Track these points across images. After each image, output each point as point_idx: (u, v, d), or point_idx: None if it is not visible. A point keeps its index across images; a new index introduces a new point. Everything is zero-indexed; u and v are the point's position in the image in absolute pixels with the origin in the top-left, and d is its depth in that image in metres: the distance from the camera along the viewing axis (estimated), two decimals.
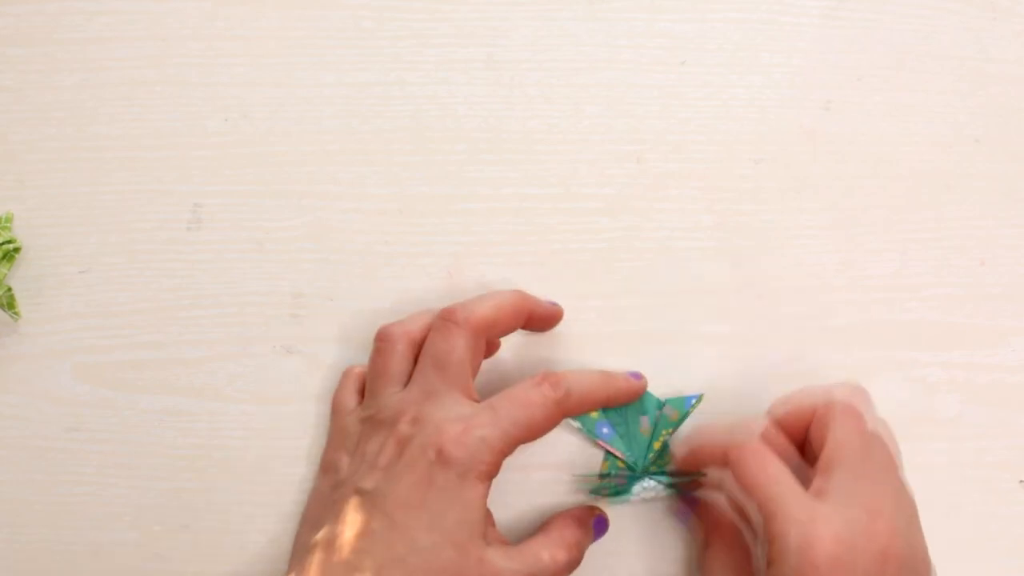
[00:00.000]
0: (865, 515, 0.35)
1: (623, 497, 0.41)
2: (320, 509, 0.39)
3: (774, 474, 0.36)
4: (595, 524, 0.41)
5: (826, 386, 0.39)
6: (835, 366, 0.44)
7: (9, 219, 0.44)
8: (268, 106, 0.45)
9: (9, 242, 0.44)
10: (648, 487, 0.41)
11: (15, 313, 0.44)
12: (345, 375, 0.42)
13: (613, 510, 0.42)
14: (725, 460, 0.38)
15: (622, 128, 0.45)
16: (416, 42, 0.46)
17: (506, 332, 0.41)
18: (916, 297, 0.44)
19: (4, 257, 0.43)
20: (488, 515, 0.37)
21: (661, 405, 0.42)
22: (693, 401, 0.42)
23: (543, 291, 0.44)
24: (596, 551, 0.42)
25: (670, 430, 0.41)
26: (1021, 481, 0.43)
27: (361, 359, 0.43)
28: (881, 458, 0.38)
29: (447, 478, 0.36)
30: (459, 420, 0.36)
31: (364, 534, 0.36)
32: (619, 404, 0.41)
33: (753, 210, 0.45)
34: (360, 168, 0.45)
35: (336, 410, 0.42)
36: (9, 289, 0.44)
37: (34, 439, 0.43)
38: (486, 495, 0.36)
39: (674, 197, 0.45)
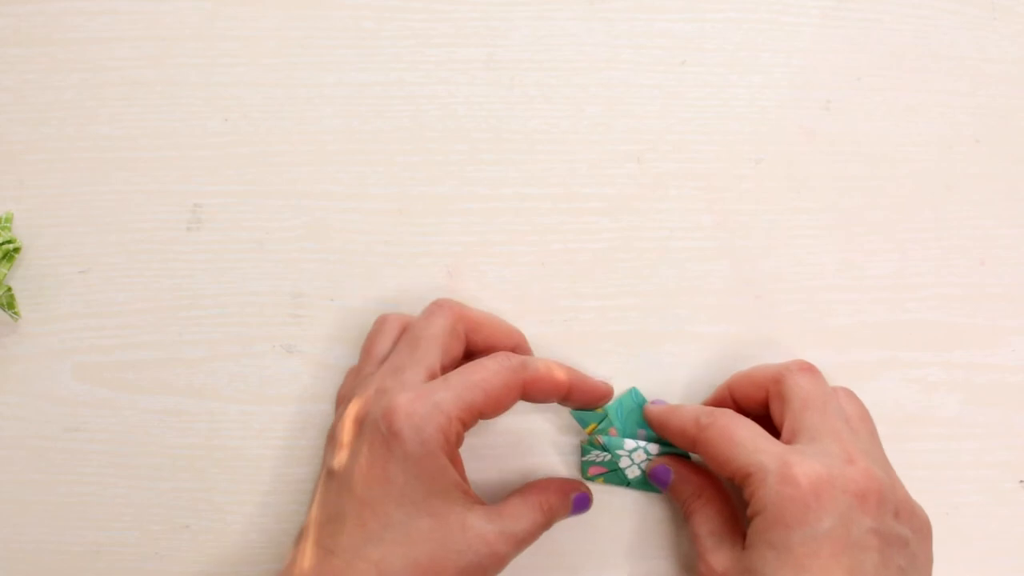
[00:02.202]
0: (839, 458, 0.36)
1: (611, 460, 0.41)
2: (310, 501, 0.39)
3: (742, 438, 0.37)
4: (576, 499, 0.41)
5: (778, 364, 0.40)
6: (835, 366, 0.44)
7: (9, 219, 0.44)
8: (268, 106, 0.45)
9: (9, 242, 0.44)
10: (637, 446, 0.41)
11: (15, 313, 0.44)
12: (350, 372, 0.43)
13: (612, 511, 0.42)
14: (694, 444, 0.38)
15: (622, 128, 0.45)
16: (416, 42, 0.46)
17: (491, 343, 0.40)
18: (916, 297, 0.44)
19: (4, 257, 0.43)
20: (461, 480, 0.37)
21: None
22: None
23: (543, 291, 0.44)
24: (593, 549, 0.42)
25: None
26: (1021, 481, 0.43)
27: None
28: (848, 408, 0.39)
29: (404, 449, 0.35)
30: (412, 390, 0.36)
31: (336, 517, 0.36)
32: (584, 400, 0.40)
33: (753, 210, 0.45)
34: (360, 168, 0.45)
35: (340, 399, 0.42)
36: (9, 289, 0.44)
37: (34, 439, 0.43)
38: (451, 462, 0.36)
39: (674, 197, 0.45)
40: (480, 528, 0.36)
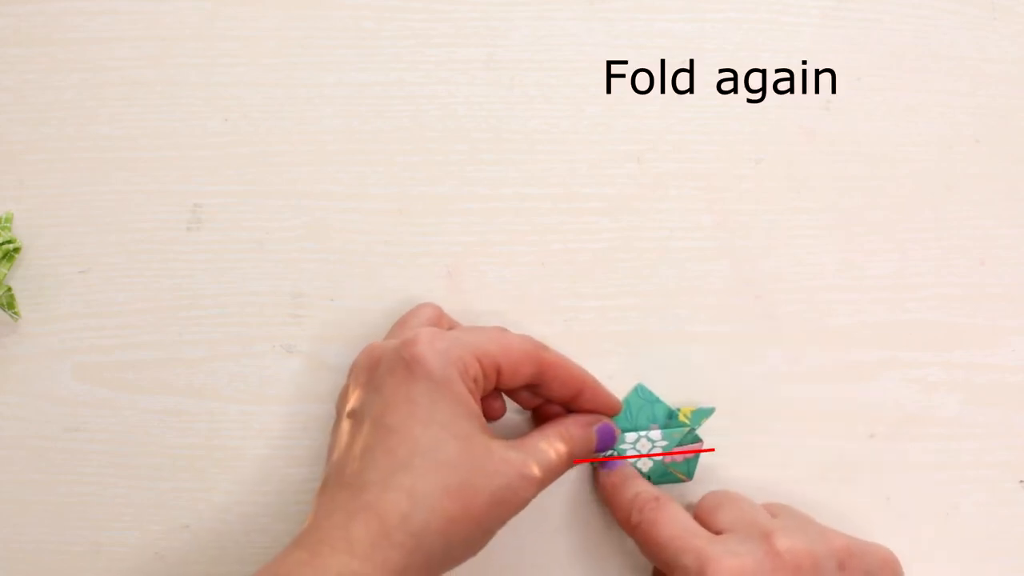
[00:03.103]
0: (759, 540, 0.36)
1: (617, 442, 0.41)
2: (328, 454, 0.38)
3: (665, 536, 0.37)
4: (599, 430, 0.40)
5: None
6: (835, 366, 0.44)
7: (9, 219, 0.44)
8: (268, 106, 0.45)
9: (9, 242, 0.44)
10: (639, 436, 0.41)
11: (15, 313, 0.44)
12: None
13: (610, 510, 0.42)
14: (631, 534, 0.39)
15: (622, 128, 0.45)
16: (416, 42, 0.46)
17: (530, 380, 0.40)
18: (916, 297, 0.44)
19: (4, 257, 0.43)
20: (482, 415, 0.37)
21: (672, 414, 0.42)
22: (704, 418, 0.42)
23: (543, 291, 0.44)
24: (592, 549, 0.42)
25: (678, 434, 0.41)
26: (1021, 481, 0.43)
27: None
28: (767, 505, 0.39)
29: (427, 371, 0.35)
30: (428, 329, 0.36)
31: (362, 451, 0.35)
32: (592, 407, 0.40)
33: (753, 210, 0.45)
34: (360, 168, 0.45)
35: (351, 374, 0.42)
36: (9, 289, 0.44)
37: (34, 439, 0.43)
38: (472, 394, 0.36)
39: (674, 197, 0.45)
40: (506, 453, 0.36)
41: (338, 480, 0.35)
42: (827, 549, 0.36)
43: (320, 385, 0.43)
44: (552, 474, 0.37)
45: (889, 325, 0.44)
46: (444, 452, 0.34)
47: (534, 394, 0.40)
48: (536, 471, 0.36)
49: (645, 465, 0.42)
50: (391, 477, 0.34)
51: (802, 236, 0.45)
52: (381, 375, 0.36)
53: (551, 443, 0.38)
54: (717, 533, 0.37)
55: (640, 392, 0.42)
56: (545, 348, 0.38)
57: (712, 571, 0.34)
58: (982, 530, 0.43)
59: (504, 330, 0.39)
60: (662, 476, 0.42)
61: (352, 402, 0.37)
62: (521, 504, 0.36)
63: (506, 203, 0.45)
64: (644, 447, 0.41)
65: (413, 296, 0.44)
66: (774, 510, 0.39)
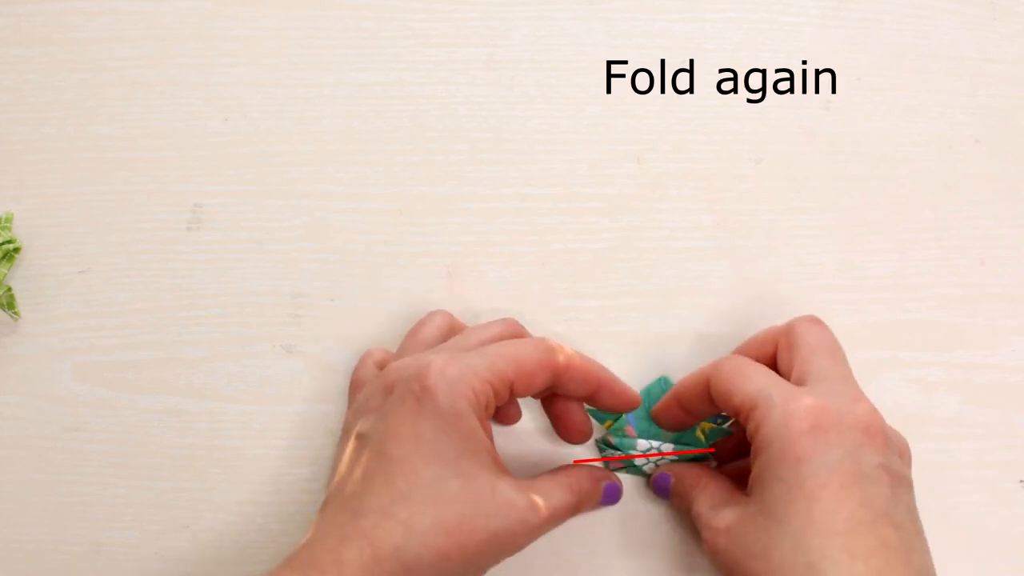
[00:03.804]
0: (846, 396, 0.36)
1: (628, 461, 0.41)
2: (332, 473, 0.38)
3: (752, 374, 0.37)
4: (607, 488, 0.40)
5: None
6: None
7: (9, 219, 0.44)
8: (268, 106, 0.45)
9: (9, 242, 0.44)
10: (651, 446, 0.41)
11: (15, 313, 0.44)
12: (366, 354, 0.42)
13: (619, 511, 0.42)
14: (706, 391, 0.38)
15: (622, 128, 0.45)
16: (416, 42, 0.46)
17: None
18: (916, 297, 0.44)
19: (4, 257, 0.43)
20: (491, 446, 0.36)
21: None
22: (720, 437, 0.42)
23: (543, 291, 0.44)
24: (598, 550, 0.42)
25: (691, 452, 0.42)
26: (1021, 481, 0.43)
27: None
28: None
29: (436, 406, 0.35)
30: (445, 354, 0.36)
31: (364, 477, 0.35)
32: (610, 403, 0.40)
33: (753, 210, 0.45)
34: (360, 168, 0.45)
35: (354, 387, 0.42)
36: (9, 289, 0.44)
37: (34, 439, 0.43)
38: (482, 426, 0.36)
39: (674, 197, 0.45)
40: (510, 495, 0.36)
41: (338, 500, 0.36)
42: (897, 438, 0.37)
43: (320, 385, 0.43)
44: (553, 523, 0.37)
45: (889, 325, 0.44)
46: (444, 489, 0.35)
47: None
48: (537, 518, 0.36)
49: (650, 469, 0.42)
50: (389, 507, 0.34)
51: (802, 236, 0.45)
52: (392, 402, 0.36)
53: (560, 490, 0.38)
54: (800, 375, 0.37)
55: (663, 384, 0.42)
56: (559, 351, 0.38)
57: (799, 404, 0.35)
58: (982, 530, 0.43)
59: (517, 340, 0.38)
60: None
61: (361, 424, 0.37)
62: (518, 548, 0.36)
63: (506, 203, 0.45)
64: (654, 456, 0.41)
65: (413, 296, 0.44)
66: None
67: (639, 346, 0.44)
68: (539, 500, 0.36)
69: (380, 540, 0.34)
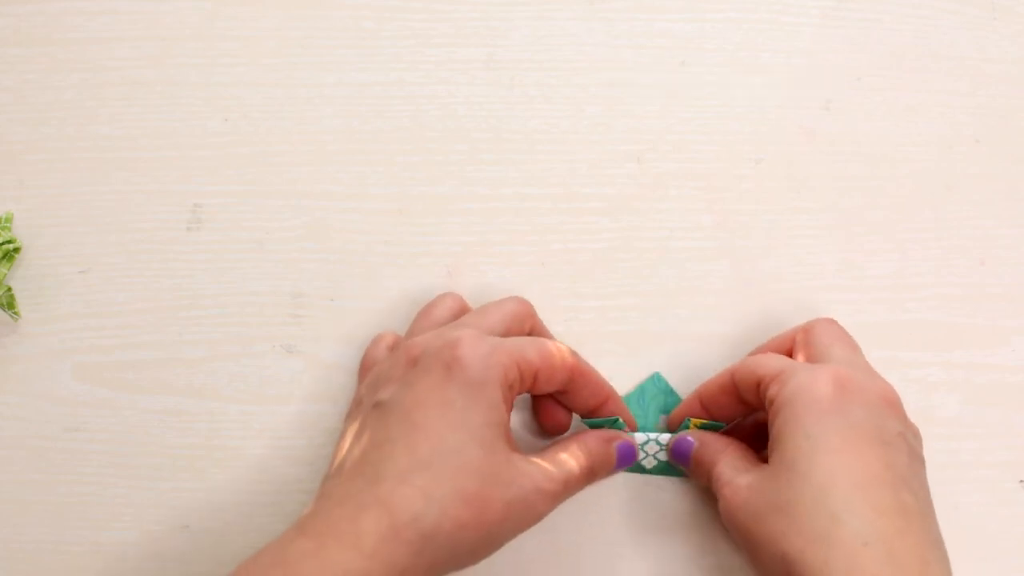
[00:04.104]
0: (867, 373, 0.37)
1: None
2: (341, 440, 0.38)
3: (775, 358, 0.38)
4: (620, 448, 0.40)
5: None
6: None
7: (9, 219, 0.44)
8: (268, 106, 0.45)
9: (9, 242, 0.44)
10: (648, 439, 0.41)
11: (15, 313, 0.44)
12: (378, 337, 0.42)
13: (619, 510, 0.42)
14: (731, 382, 0.39)
15: (622, 128, 0.45)
16: (416, 42, 0.46)
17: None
18: (916, 297, 0.44)
19: (4, 257, 0.43)
20: (509, 426, 0.37)
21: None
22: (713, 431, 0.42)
23: (543, 291, 0.44)
24: (599, 549, 0.42)
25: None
26: (1021, 481, 0.43)
27: (361, 359, 0.43)
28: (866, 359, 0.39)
29: (466, 376, 0.35)
30: (472, 331, 0.36)
31: (384, 442, 0.35)
32: (615, 414, 0.40)
33: (753, 210, 0.45)
34: (360, 168, 0.45)
35: (364, 367, 0.41)
36: (9, 289, 0.44)
37: (34, 439, 0.43)
38: (504, 402, 0.36)
39: (674, 197, 0.45)
40: (526, 467, 0.36)
41: (353, 467, 0.35)
42: (905, 415, 0.37)
43: (320, 385, 0.43)
44: (569, 490, 0.37)
45: (889, 325, 0.44)
46: (466, 457, 0.34)
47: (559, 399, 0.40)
48: (553, 486, 0.36)
49: (649, 463, 0.42)
50: (409, 474, 0.34)
51: (802, 236, 0.45)
52: (418, 372, 0.36)
53: (571, 458, 0.38)
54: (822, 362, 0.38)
55: (656, 381, 0.42)
56: (579, 356, 0.38)
57: (822, 369, 0.36)
58: (982, 530, 0.43)
59: (544, 338, 0.39)
60: (663, 471, 0.42)
61: (381, 393, 0.36)
62: (535, 518, 0.36)
63: (506, 203, 0.45)
64: (652, 449, 0.41)
65: (413, 296, 0.44)
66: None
67: (639, 346, 0.44)
68: (553, 469, 0.37)
69: (398, 508, 0.33)
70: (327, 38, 0.46)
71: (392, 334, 0.42)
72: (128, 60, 0.46)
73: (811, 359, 0.38)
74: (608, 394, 0.40)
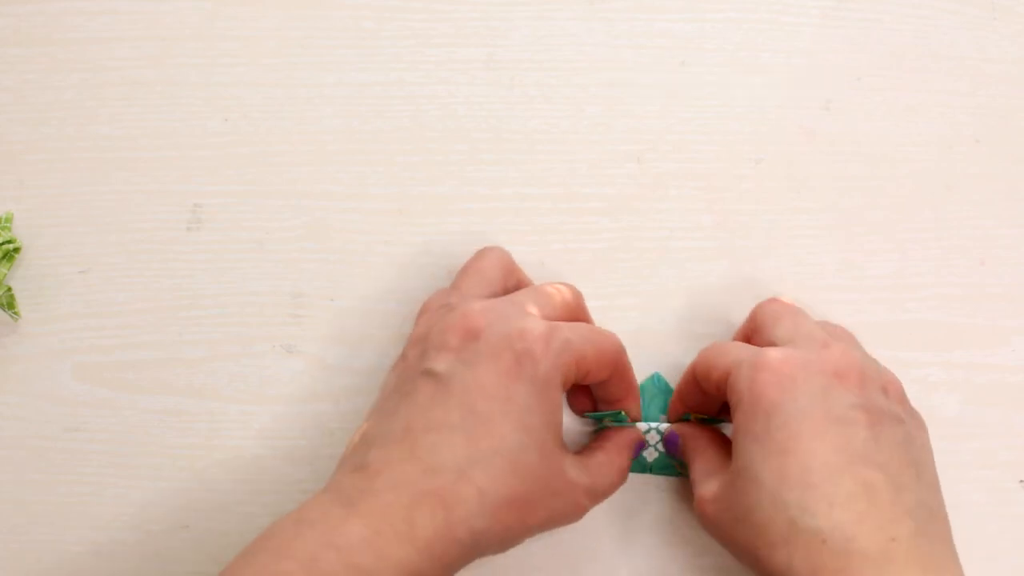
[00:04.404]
0: (815, 345, 0.36)
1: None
2: (386, 398, 0.37)
3: (727, 348, 0.37)
4: (635, 448, 0.41)
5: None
6: None
7: (9, 219, 0.44)
8: (268, 106, 0.45)
9: (9, 242, 0.44)
10: (649, 427, 0.41)
11: (15, 313, 0.44)
12: (427, 305, 0.40)
13: (619, 510, 0.42)
14: (695, 380, 0.39)
15: (622, 128, 0.45)
16: (416, 42, 0.46)
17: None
18: (916, 297, 0.44)
19: (4, 257, 0.43)
20: (562, 423, 0.36)
21: (685, 414, 0.42)
22: (715, 424, 0.42)
23: None
24: (599, 548, 0.42)
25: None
26: (1021, 481, 0.43)
27: (361, 359, 0.43)
28: (828, 327, 0.39)
29: (535, 373, 0.34)
30: (541, 321, 0.35)
31: (442, 426, 0.33)
32: (628, 410, 0.41)
33: (753, 210, 0.45)
34: (360, 168, 0.45)
35: (423, 310, 0.40)
36: (9, 289, 0.44)
37: (34, 439, 0.43)
38: (561, 401, 0.35)
39: (674, 197, 0.45)
40: (574, 476, 0.35)
41: (403, 441, 0.34)
42: (878, 373, 0.36)
43: (320, 385, 0.43)
44: (604, 499, 0.38)
45: (889, 325, 0.44)
46: (524, 460, 0.33)
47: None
48: (591, 501, 0.37)
49: (651, 455, 0.42)
50: (468, 468, 0.33)
51: (802, 236, 0.45)
52: (482, 352, 0.34)
53: (613, 473, 0.38)
54: (773, 343, 0.37)
55: (656, 381, 0.43)
56: (623, 350, 0.38)
57: (763, 360, 0.34)
58: (982, 530, 0.43)
59: (601, 328, 0.38)
60: (663, 468, 0.42)
61: (436, 362, 0.35)
62: (567, 524, 0.36)
63: (506, 203, 0.45)
64: (653, 439, 0.41)
65: (413, 296, 0.44)
66: (835, 332, 0.39)
67: (639, 346, 0.44)
68: (594, 482, 0.36)
69: (454, 504, 0.32)
70: (327, 38, 0.46)
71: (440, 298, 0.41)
72: (128, 60, 0.46)
73: (760, 344, 0.38)
74: (633, 390, 0.40)
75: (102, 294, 0.44)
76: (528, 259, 0.44)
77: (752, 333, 0.40)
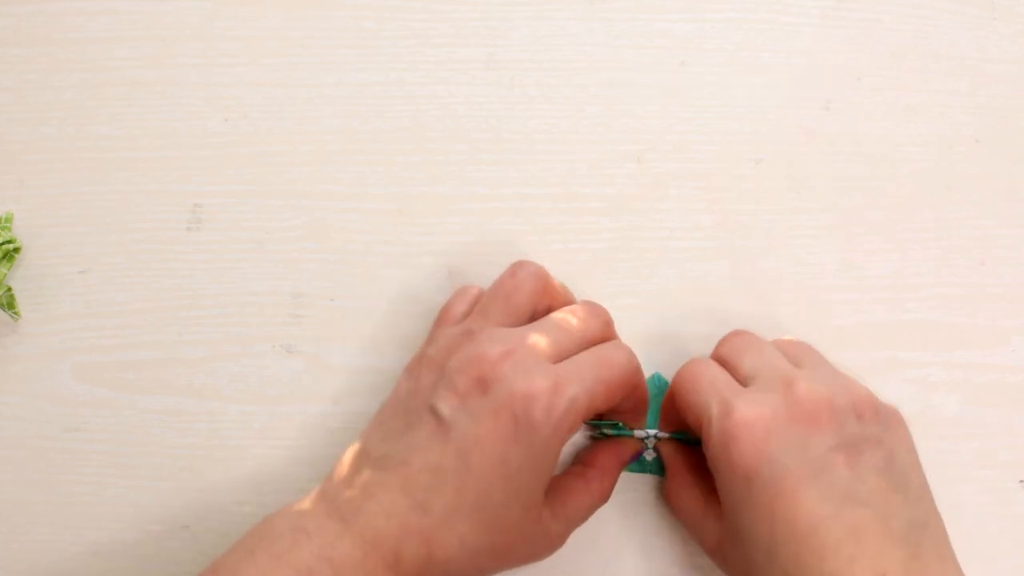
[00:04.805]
0: (779, 386, 0.36)
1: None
2: (392, 414, 0.38)
3: (699, 384, 0.37)
4: (628, 460, 0.41)
5: None
6: (835, 366, 0.44)
7: (9, 219, 0.44)
8: (268, 106, 0.45)
9: (9, 242, 0.44)
10: (648, 434, 0.41)
11: (15, 313, 0.44)
12: (462, 292, 0.41)
13: (619, 510, 0.42)
14: (671, 400, 0.40)
15: (622, 128, 0.45)
16: (416, 42, 0.46)
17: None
18: (916, 297, 0.44)
19: (4, 257, 0.43)
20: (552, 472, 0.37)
21: None
22: None
23: None
24: (599, 548, 0.42)
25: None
26: (1021, 481, 0.43)
27: (361, 359, 0.43)
28: (787, 346, 0.39)
29: (532, 440, 0.35)
30: (549, 376, 0.35)
31: (436, 470, 0.35)
32: (636, 423, 0.41)
33: (753, 210, 0.45)
34: (360, 168, 0.45)
35: (440, 319, 0.41)
36: (9, 289, 0.44)
37: (34, 439, 0.43)
38: (559, 450, 0.36)
39: (674, 197, 0.45)
40: (551, 526, 0.37)
41: (398, 470, 0.35)
42: (847, 398, 0.36)
43: (320, 385, 0.43)
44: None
45: (889, 325, 0.44)
46: (506, 515, 0.35)
47: None
48: (561, 543, 0.38)
49: (650, 455, 0.42)
50: (453, 514, 0.35)
51: (802, 236, 0.45)
52: (486, 408, 0.35)
53: (591, 500, 0.39)
54: (742, 379, 0.38)
55: (656, 381, 0.42)
56: (638, 373, 0.38)
57: (732, 422, 0.35)
58: (982, 530, 0.43)
59: (617, 358, 0.38)
60: (662, 469, 0.42)
61: (444, 403, 0.36)
62: (543, 559, 0.38)
63: (506, 203, 0.45)
64: (651, 443, 0.41)
65: (413, 296, 0.44)
66: (799, 355, 0.39)
67: (639, 346, 0.44)
68: (572, 520, 0.38)
69: (437, 547, 0.35)
70: (327, 38, 0.46)
71: (477, 289, 0.41)
72: (128, 60, 0.46)
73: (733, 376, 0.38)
74: (642, 407, 0.40)
75: (102, 294, 0.44)
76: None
77: (719, 357, 0.40)
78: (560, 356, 0.37)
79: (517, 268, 0.40)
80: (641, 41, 0.46)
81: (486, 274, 0.44)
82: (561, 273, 0.44)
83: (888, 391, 0.44)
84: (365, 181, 0.45)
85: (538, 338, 0.37)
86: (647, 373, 0.43)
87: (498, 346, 0.36)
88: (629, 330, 0.44)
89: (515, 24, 0.46)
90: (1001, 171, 0.46)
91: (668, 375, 0.43)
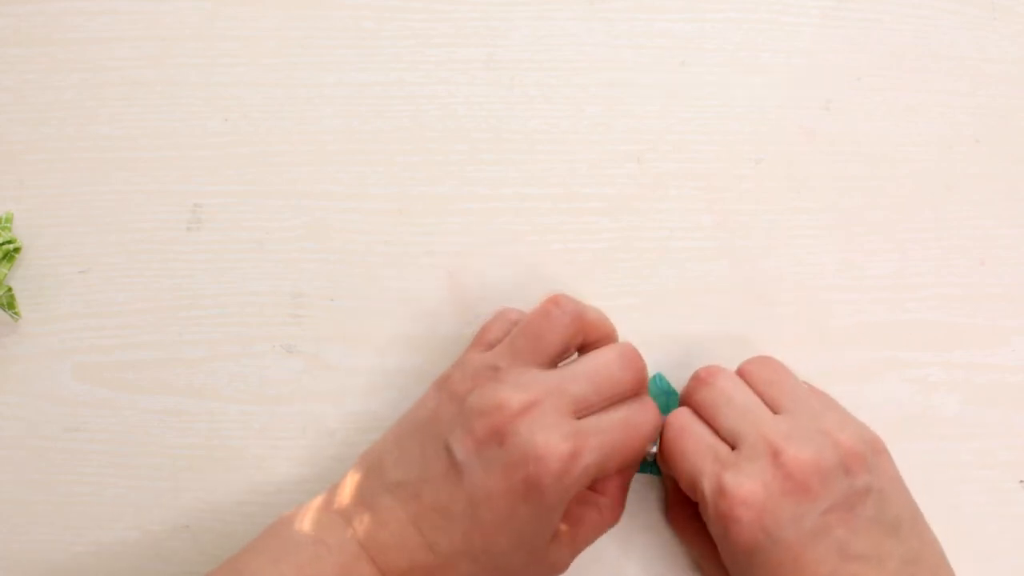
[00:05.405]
0: (766, 457, 0.36)
1: None
2: (410, 432, 0.38)
3: (686, 449, 0.37)
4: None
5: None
6: (835, 366, 0.44)
7: (9, 219, 0.44)
8: (268, 106, 0.45)
9: (9, 242, 0.44)
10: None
11: (15, 313, 0.44)
12: (502, 314, 0.41)
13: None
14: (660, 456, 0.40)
15: (622, 128, 0.45)
16: (416, 42, 0.46)
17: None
18: (916, 297, 0.44)
19: (4, 257, 0.43)
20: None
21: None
22: None
23: (543, 291, 0.44)
24: (598, 548, 0.42)
25: None
26: (1021, 481, 0.43)
27: (361, 359, 0.43)
28: (759, 382, 0.39)
29: (540, 502, 0.35)
30: (568, 438, 0.35)
31: (445, 512, 0.36)
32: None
33: (753, 210, 0.45)
34: (360, 168, 0.45)
35: (476, 340, 0.40)
36: (9, 289, 0.44)
37: (34, 439, 0.43)
38: (563, 510, 0.36)
39: (674, 197, 0.45)
40: (557, 557, 0.37)
41: (413, 502, 0.36)
42: (834, 456, 0.36)
43: (320, 385, 0.43)
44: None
45: (889, 325, 0.44)
46: (512, 560, 0.36)
47: None
48: (574, 557, 0.38)
49: (649, 456, 0.42)
50: (458, 558, 0.36)
51: (802, 236, 0.45)
52: (500, 461, 0.35)
53: (604, 521, 0.39)
54: (725, 437, 0.37)
55: (658, 381, 0.42)
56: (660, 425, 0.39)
57: (727, 502, 0.35)
58: (982, 530, 0.43)
59: (644, 415, 0.38)
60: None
61: (460, 447, 0.36)
62: None
63: (506, 203, 0.45)
64: (651, 446, 0.41)
65: (413, 296, 0.44)
66: (775, 396, 0.39)
67: (639, 346, 0.44)
68: (580, 543, 0.38)
69: None
70: (327, 38, 0.46)
71: (517, 313, 0.41)
72: (128, 60, 0.46)
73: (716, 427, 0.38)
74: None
75: (102, 294, 0.44)
76: (528, 259, 0.44)
77: (696, 408, 0.39)
78: (585, 411, 0.37)
79: (552, 306, 0.38)
80: (641, 41, 0.46)
81: (486, 274, 0.44)
82: (561, 273, 0.44)
83: (888, 391, 0.44)
84: (365, 181, 0.45)
85: (564, 390, 0.36)
86: (648, 374, 0.43)
87: (521, 394, 0.35)
88: (629, 330, 0.44)
89: (515, 24, 0.46)
90: (1001, 171, 0.46)
91: (668, 375, 0.43)
